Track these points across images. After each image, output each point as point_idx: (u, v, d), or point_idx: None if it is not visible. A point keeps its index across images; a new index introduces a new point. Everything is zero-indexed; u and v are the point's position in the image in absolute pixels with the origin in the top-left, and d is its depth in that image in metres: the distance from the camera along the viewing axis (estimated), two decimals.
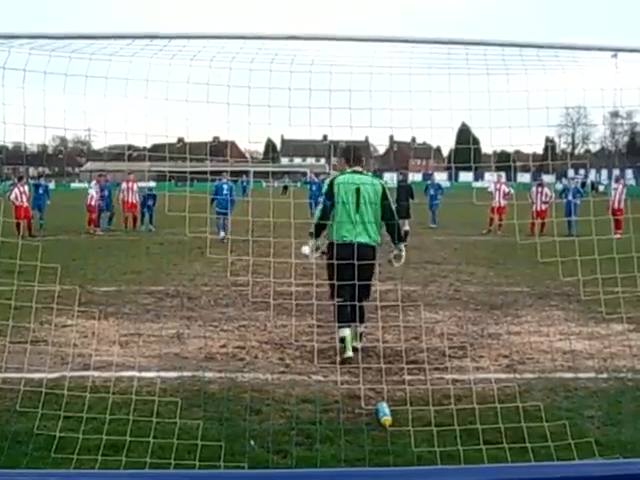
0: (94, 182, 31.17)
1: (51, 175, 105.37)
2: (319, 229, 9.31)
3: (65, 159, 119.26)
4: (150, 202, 30.04)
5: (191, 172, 7.54)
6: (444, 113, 6.37)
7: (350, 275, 8.05)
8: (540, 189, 28.53)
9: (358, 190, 9.09)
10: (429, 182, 34.76)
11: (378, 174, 9.68)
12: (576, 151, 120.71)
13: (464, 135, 7.21)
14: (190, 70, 5.98)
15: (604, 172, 70.76)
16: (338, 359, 8.58)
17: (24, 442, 6.20)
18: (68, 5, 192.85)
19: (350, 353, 8.79)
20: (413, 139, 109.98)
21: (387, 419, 6.77)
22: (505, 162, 9.96)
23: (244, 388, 7.91)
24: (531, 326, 11.19)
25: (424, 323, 9.96)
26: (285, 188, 40.47)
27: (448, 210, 32.73)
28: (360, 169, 9.42)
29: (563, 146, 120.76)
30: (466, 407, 6.71)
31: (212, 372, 8.54)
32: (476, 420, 6.31)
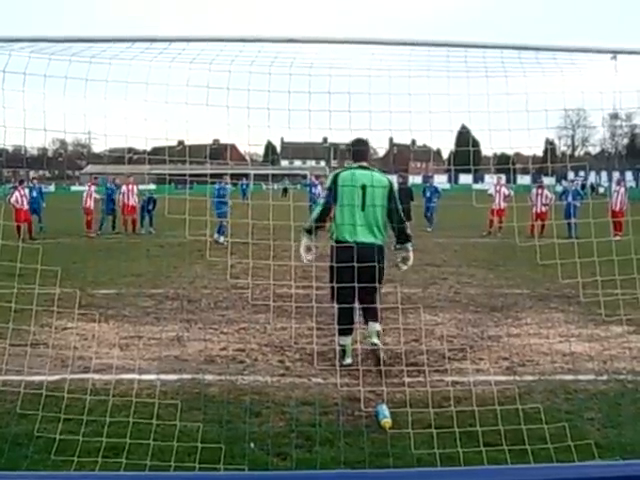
0: (88, 185, 31.23)
1: (51, 178, 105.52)
2: (316, 228, 8.89)
3: (65, 162, 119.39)
4: (150, 205, 30.04)
5: (191, 175, 7.55)
6: (443, 115, 6.38)
7: (353, 277, 7.96)
8: (540, 191, 28.53)
9: (364, 187, 8.65)
10: (426, 185, 34.69)
11: (385, 170, 9.21)
12: (576, 153, 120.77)
13: (464, 137, 7.20)
14: (190, 73, 6.00)
15: (604, 174, 70.70)
16: (337, 363, 8.50)
17: (24, 444, 6.20)
18: (68, 9, 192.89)
19: (350, 360, 8.67)
20: (413, 141, 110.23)
21: (387, 421, 6.77)
22: (505, 164, 9.95)
23: (244, 391, 7.92)
24: (531, 328, 11.19)
25: (424, 325, 9.95)
26: (285, 190, 40.42)
27: (448, 212, 32.73)
28: (366, 164, 8.98)
29: (563, 148, 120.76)
30: (466, 409, 6.71)
31: (212, 375, 8.55)
32: (476, 422, 6.31)
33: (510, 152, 7.82)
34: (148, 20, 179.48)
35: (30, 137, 6.18)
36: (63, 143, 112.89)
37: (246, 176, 46.60)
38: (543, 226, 23.94)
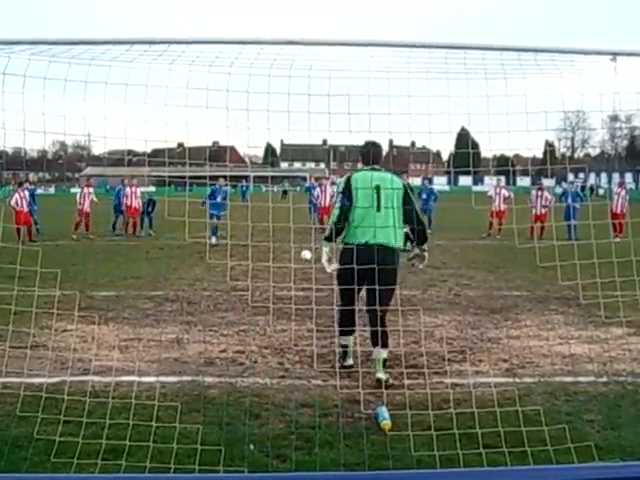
0: (82, 186, 31.03)
1: (51, 180, 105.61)
2: (336, 233, 8.53)
3: (65, 164, 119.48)
4: (150, 207, 30.02)
5: (191, 177, 7.55)
6: (443, 117, 6.38)
7: (365, 280, 7.91)
8: (540, 193, 28.54)
9: (378, 189, 8.36)
10: (423, 187, 34.43)
11: (398, 173, 8.95)
12: (575, 155, 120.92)
13: (463, 139, 7.20)
14: (189, 75, 6.00)
15: (604, 176, 70.80)
16: (338, 365, 8.46)
17: (24, 447, 6.20)
18: (68, 11, 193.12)
19: (351, 361, 8.62)
20: (412, 143, 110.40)
21: (386, 423, 6.77)
22: (504, 166, 9.97)
23: (244, 393, 7.91)
24: (531, 330, 11.19)
25: (424, 327, 9.97)
26: (285, 193, 40.47)
27: (448, 214, 32.75)
28: (378, 167, 8.74)
29: (562, 150, 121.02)
30: (466, 411, 6.71)
31: (212, 377, 8.54)
32: (476, 424, 6.30)
33: (510, 154, 7.86)
34: (147, 22, 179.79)
35: (30, 139, 6.18)
36: (63, 145, 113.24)
37: (246, 178, 46.70)
38: (543, 228, 23.93)
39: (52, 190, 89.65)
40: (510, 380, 8.38)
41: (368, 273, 7.72)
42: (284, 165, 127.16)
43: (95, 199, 30.40)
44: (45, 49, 5.88)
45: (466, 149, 6.88)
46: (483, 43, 6.04)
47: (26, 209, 27.29)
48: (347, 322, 8.47)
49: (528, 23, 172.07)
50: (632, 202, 28.33)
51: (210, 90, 6.02)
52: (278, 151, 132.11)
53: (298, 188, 53.96)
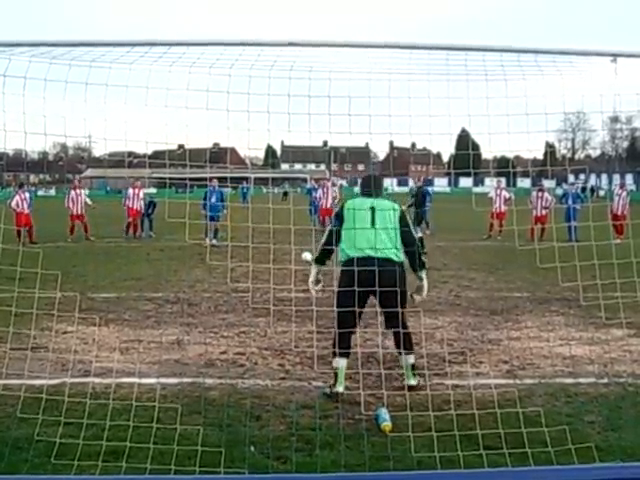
0: (71, 188, 30.62)
1: (52, 182, 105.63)
2: (326, 254, 8.42)
3: (65, 166, 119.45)
4: (150, 209, 29.98)
5: (192, 178, 7.55)
6: (443, 119, 6.38)
7: (363, 299, 7.74)
8: (540, 194, 28.53)
9: (373, 209, 8.15)
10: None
11: (396, 200, 8.62)
12: (576, 156, 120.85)
13: (464, 141, 7.19)
14: (189, 77, 5.99)
15: (604, 177, 70.79)
16: (327, 390, 8.08)
17: (25, 448, 6.21)
18: (68, 13, 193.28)
19: (341, 388, 7.92)
20: (413, 145, 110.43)
21: (387, 425, 6.77)
22: (505, 167, 9.96)
23: (244, 394, 7.92)
24: (531, 331, 11.20)
25: (424, 329, 9.95)
26: (285, 194, 40.48)
27: (448, 215, 32.75)
28: (376, 193, 8.45)
29: (563, 151, 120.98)
30: (466, 412, 6.71)
31: (212, 378, 8.55)
32: (476, 425, 6.30)
33: (510, 155, 7.84)
34: (147, 23, 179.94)
35: (31, 141, 6.17)
36: (64, 147, 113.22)
37: (246, 180, 46.65)
38: (543, 229, 23.91)
39: (53, 192, 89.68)
40: (511, 381, 8.38)
41: (371, 283, 7.50)
42: (285, 166, 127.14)
43: (89, 201, 30.10)
44: (45, 51, 5.88)
45: (466, 150, 6.88)
46: (483, 44, 6.04)
47: (27, 211, 27.27)
48: (344, 344, 7.97)
49: (528, 24, 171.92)
50: (633, 203, 28.34)
51: (210, 92, 6.02)
52: (279, 153, 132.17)
53: (299, 189, 53.97)
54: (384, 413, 6.93)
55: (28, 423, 6.59)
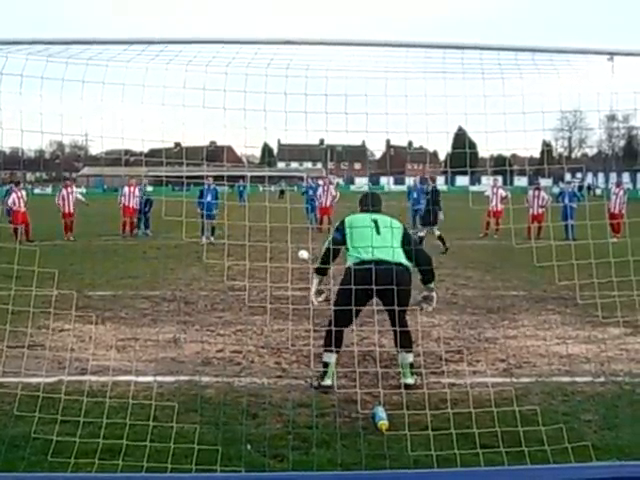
0: (63, 187, 30.42)
1: (48, 180, 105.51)
2: (325, 264, 8.39)
3: (62, 164, 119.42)
4: (147, 207, 29.94)
5: (188, 177, 7.54)
6: (440, 117, 6.37)
7: (369, 298, 7.80)
8: (537, 193, 28.56)
9: (376, 222, 8.26)
10: (411, 186, 34.00)
11: (394, 216, 8.55)
12: (573, 155, 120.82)
13: (460, 139, 7.20)
14: (186, 75, 5.98)
15: (601, 176, 70.88)
16: (315, 383, 8.21)
17: (21, 446, 6.21)
18: (67, 11, 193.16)
19: (329, 382, 8.05)
20: (409, 143, 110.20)
21: (384, 423, 6.77)
22: (502, 166, 9.94)
23: (241, 392, 7.92)
24: (528, 330, 11.21)
25: (421, 327, 9.95)
26: (282, 192, 40.43)
27: (445, 214, 32.69)
28: (377, 210, 8.59)
29: (560, 150, 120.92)
30: (463, 411, 6.70)
31: (209, 376, 8.55)
32: (473, 424, 6.30)
33: (507, 154, 7.77)
34: (145, 22, 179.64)
35: (27, 139, 6.18)
36: (60, 145, 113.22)
37: (243, 178, 46.63)
38: (540, 228, 23.98)
39: (49, 190, 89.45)
40: (507, 380, 8.38)
41: (367, 291, 7.59)
42: (281, 165, 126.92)
43: (82, 198, 29.92)
44: (42, 49, 5.87)
45: (463, 149, 6.87)
46: (480, 43, 6.04)
47: (23, 209, 27.25)
48: (336, 341, 8.00)
49: (525, 23, 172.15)
50: (630, 202, 28.37)
51: (207, 90, 6.01)
52: (275, 151, 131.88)
53: (295, 188, 53.93)
54: (381, 411, 6.93)
55: (25, 421, 6.59)
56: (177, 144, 7.51)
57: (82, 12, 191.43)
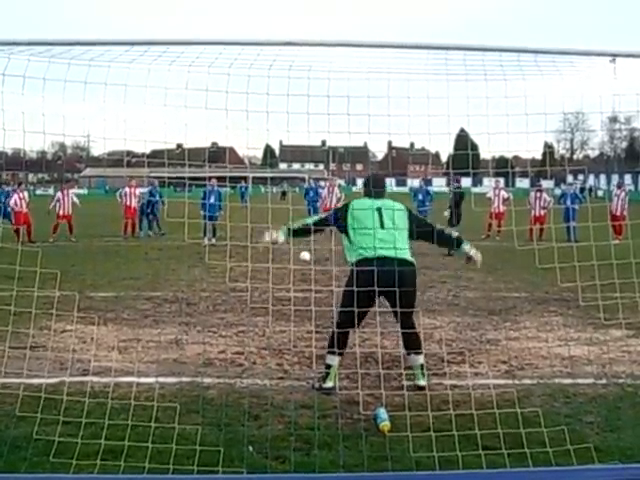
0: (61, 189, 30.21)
1: (50, 181, 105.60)
2: (301, 232, 8.23)
3: (64, 165, 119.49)
4: (149, 209, 29.94)
5: (190, 178, 7.54)
6: (442, 119, 6.36)
7: (374, 297, 7.65)
8: (539, 194, 28.53)
9: (380, 210, 8.08)
10: (416, 187, 34.06)
11: (396, 199, 8.41)
12: (575, 156, 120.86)
13: (462, 141, 7.18)
14: (188, 76, 5.99)
15: (603, 177, 70.76)
16: (316, 385, 8.19)
17: (23, 447, 6.20)
18: (68, 12, 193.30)
19: (331, 384, 8.00)
20: (411, 145, 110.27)
21: (386, 425, 6.76)
22: (504, 168, 9.92)
23: (242, 394, 7.91)
24: (530, 332, 11.20)
25: (423, 329, 9.94)
26: (284, 194, 40.43)
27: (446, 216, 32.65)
28: (380, 193, 8.40)
29: (562, 151, 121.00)
30: (465, 413, 6.70)
31: (211, 378, 8.54)
32: (475, 426, 6.29)
33: (509, 155, 7.76)
34: (145, 23, 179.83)
35: (29, 140, 6.16)
36: (62, 146, 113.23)
37: (245, 179, 46.59)
38: (542, 229, 23.93)
39: (51, 191, 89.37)
40: (509, 382, 8.37)
41: (387, 283, 7.37)
42: (283, 166, 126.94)
43: (76, 200, 29.79)
44: (44, 50, 5.88)
45: (465, 150, 6.86)
46: (483, 44, 6.04)
47: (25, 210, 27.26)
48: (337, 340, 8.01)
49: (528, 25, 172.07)
50: (631, 203, 28.34)
51: (209, 91, 6.01)
52: (277, 152, 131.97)
53: (297, 189, 53.88)
54: (383, 413, 6.92)
55: (27, 422, 6.59)
56: (179, 145, 7.50)
57: (82, 12, 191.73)
